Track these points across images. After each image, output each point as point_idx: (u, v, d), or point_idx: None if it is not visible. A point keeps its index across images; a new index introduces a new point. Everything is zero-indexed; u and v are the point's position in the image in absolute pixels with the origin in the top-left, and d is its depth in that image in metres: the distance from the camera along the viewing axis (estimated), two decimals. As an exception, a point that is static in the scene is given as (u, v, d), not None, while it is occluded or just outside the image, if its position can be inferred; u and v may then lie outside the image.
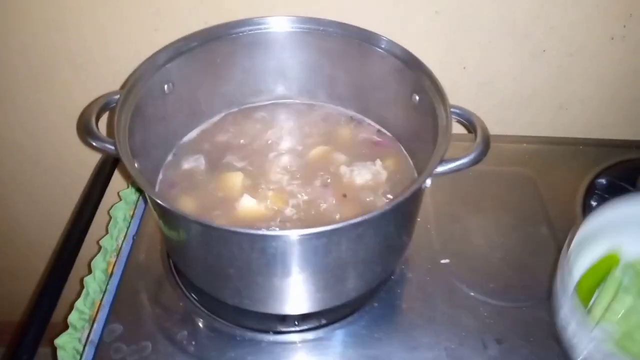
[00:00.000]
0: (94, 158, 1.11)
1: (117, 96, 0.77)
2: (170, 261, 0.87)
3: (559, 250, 0.88)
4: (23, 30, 1.06)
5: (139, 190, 1.07)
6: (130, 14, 1.03)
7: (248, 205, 0.82)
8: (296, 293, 0.74)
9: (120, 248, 0.98)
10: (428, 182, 0.67)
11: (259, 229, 0.62)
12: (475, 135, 0.72)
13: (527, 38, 1.06)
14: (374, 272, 0.77)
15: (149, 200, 0.73)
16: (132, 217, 1.05)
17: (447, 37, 1.06)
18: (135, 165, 0.71)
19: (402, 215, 0.74)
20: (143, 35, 1.06)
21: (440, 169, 0.67)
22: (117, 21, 1.04)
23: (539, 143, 1.10)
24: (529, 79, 1.13)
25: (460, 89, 1.13)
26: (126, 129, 0.73)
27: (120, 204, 1.08)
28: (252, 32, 0.88)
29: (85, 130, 0.73)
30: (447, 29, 1.04)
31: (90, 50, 1.09)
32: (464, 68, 1.11)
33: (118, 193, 1.10)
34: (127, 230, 1.02)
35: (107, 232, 1.04)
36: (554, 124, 1.19)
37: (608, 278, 0.78)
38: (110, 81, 1.13)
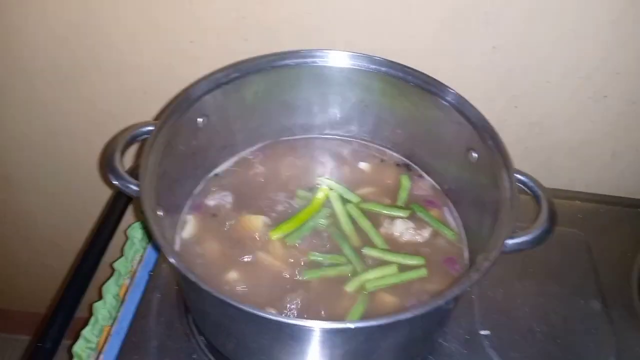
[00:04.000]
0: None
1: (146, 128, 0.71)
2: (186, 312, 0.81)
3: (610, 329, 0.81)
4: (50, 34, 1.01)
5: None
6: (166, 23, 0.97)
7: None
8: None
9: (135, 272, 0.93)
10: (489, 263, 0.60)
11: (285, 315, 0.55)
12: (539, 210, 0.64)
13: (589, 81, 0.98)
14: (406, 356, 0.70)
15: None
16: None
17: (501, 74, 0.98)
18: (159, 213, 0.64)
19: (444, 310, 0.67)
20: (178, 46, 1.00)
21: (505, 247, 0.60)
22: (152, 30, 0.98)
23: (594, 202, 1.01)
24: (584, 124, 1.05)
25: (507, 128, 1.05)
26: (152, 171, 0.66)
27: (138, 223, 1.03)
28: (298, 65, 0.80)
29: (108, 166, 0.67)
30: (502, 65, 0.97)
31: (120, 56, 1.03)
32: (516, 107, 1.03)
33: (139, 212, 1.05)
34: (143, 252, 0.97)
35: (121, 254, 0.99)
36: (602, 174, 1.11)
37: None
38: (140, 91, 1.08)
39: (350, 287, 0.74)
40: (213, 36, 0.97)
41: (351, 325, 0.54)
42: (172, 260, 0.59)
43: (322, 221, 0.81)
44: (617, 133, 1.05)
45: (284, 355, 0.66)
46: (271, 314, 0.55)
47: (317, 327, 0.55)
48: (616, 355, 0.79)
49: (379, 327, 0.55)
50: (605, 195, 1.04)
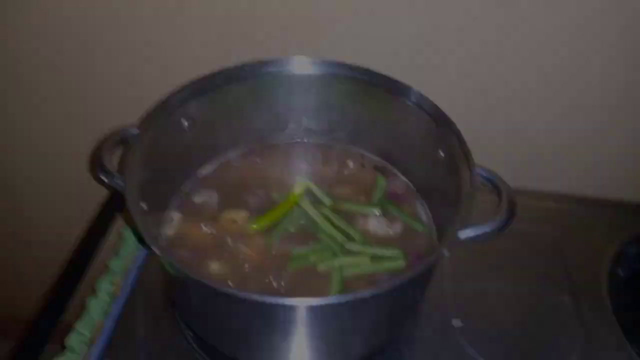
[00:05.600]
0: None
1: (131, 130, 0.76)
2: (172, 306, 0.86)
3: (580, 323, 0.84)
4: (50, 45, 1.06)
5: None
6: (157, 36, 1.02)
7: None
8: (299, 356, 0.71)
9: (130, 271, 0.97)
10: (445, 252, 0.64)
11: (267, 295, 0.59)
12: (500, 201, 0.68)
13: (567, 87, 1.01)
14: (380, 338, 0.74)
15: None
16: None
17: (479, 83, 1.02)
18: (142, 205, 0.69)
19: (416, 284, 0.70)
20: (172, 54, 1.04)
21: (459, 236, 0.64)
22: (143, 43, 1.03)
23: (567, 202, 1.04)
24: (562, 130, 1.08)
25: (487, 136, 1.09)
26: (137, 169, 0.71)
27: (131, 223, 1.07)
28: (278, 72, 0.85)
29: (97, 166, 0.71)
30: (479, 73, 1.00)
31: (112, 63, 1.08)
32: (494, 115, 1.07)
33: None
34: (137, 253, 1.00)
35: (115, 254, 1.03)
36: (583, 180, 1.14)
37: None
38: (135, 98, 1.11)
39: (322, 267, 0.78)
40: (197, 49, 1.02)
41: (321, 302, 0.58)
42: (154, 248, 0.63)
43: (301, 222, 0.85)
44: (596, 140, 1.08)
45: (263, 336, 0.69)
46: (250, 294, 0.57)
47: (287, 303, 0.59)
48: (584, 346, 0.81)
49: (344, 304, 0.58)
50: (579, 196, 1.06)
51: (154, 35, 1.01)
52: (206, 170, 0.92)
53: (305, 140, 0.97)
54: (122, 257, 1.02)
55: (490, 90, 1.02)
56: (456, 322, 0.83)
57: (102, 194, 1.02)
